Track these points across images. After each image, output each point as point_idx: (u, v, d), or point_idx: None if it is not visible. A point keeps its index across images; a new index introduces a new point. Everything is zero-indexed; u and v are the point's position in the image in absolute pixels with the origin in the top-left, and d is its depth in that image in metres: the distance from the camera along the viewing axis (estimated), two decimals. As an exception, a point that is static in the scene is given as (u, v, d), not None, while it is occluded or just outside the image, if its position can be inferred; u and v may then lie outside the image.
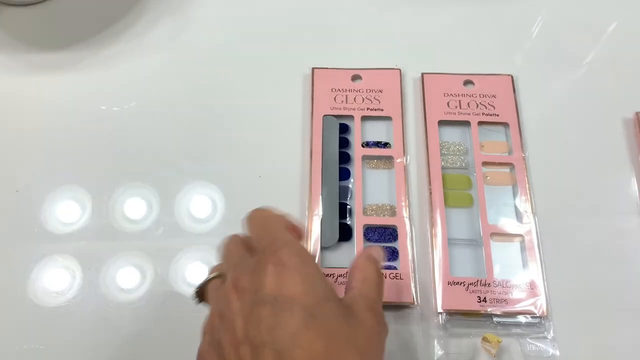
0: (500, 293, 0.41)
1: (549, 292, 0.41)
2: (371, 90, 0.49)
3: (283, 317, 0.29)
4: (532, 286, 0.41)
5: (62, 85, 0.51)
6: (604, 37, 0.54)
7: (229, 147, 0.48)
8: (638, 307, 0.42)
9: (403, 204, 0.44)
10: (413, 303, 0.41)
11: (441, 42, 0.53)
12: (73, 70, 0.51)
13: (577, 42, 0.53)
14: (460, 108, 0.48)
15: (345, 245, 0.44)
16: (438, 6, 0.55)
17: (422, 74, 0.50)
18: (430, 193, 0.45)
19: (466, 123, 0.48)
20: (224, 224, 0.45)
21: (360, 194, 0.45)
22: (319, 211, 0.44)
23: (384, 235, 0.44)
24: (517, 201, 0.45)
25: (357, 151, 0.47)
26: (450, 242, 0.43)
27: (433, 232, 0.43)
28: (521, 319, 0.40)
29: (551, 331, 0.40)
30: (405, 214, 0.44)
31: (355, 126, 0.48)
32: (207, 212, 0.45)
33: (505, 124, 0.48)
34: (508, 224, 0.44)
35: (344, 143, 0.47)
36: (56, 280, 0.43)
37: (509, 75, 0.50)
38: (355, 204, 0.45)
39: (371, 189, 0.46)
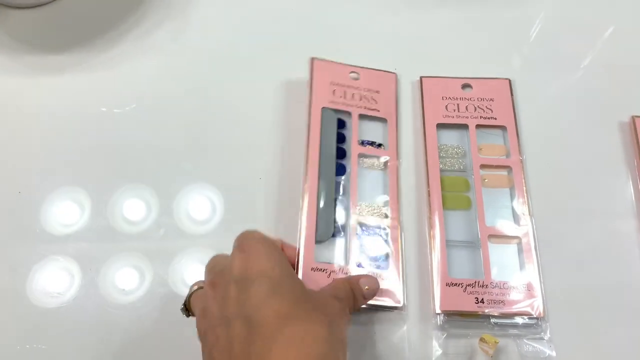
0: (497, 294, 0.41)
1: (546, 294, 0.41)
2: (369, 90, 0.49)
3: (252, 289, 0.31)
4: (529, 288, 0.41)
5: (63, 87, 0.51)
6: (601, 42, 0.54)
7: (229, 147, 0.48)
8: (634, 308, 0.42)
9: (393, 206, 0.44)
10: (400, 305, 0.41)
11: (440, 46, 0.53)
12: (74, 72, 0.52)
13: (574, 46, 0.53)
14: (459, 111, 0.49)
15: (338, 242, 0.43)
16: (437, 10, 0.55)
17: (421, 77, 0.50)
18: (429, 195, 0.45)
19: (464, 126, 0.48)
20: (223, 225, 0.45)
21: (355, 191, 0.45)
22: (312, 204, 0.43)
23: (374, 235, 0.43)
24: (515, 203, 0.45)
25: (353, 148, 0.47)
26: (448, 244, 0.43)
27: (431, 233, 0.43)
28: (518, 320, 0.40)
29: (548, 332, 0.40)
30: (393, 215, 0.44)
31: (353, 123, 0.48)
32: (207, 214, 0.46)
33: (503, 127, 0.48)
34: (505, 226, 0.44)
35: (341, 138, 0.47)
36: (56, 280, 0.43)
37: (506, 79, 0.50)
38: (349, 200, 0.44)
39: (362, 187, 0.45)
